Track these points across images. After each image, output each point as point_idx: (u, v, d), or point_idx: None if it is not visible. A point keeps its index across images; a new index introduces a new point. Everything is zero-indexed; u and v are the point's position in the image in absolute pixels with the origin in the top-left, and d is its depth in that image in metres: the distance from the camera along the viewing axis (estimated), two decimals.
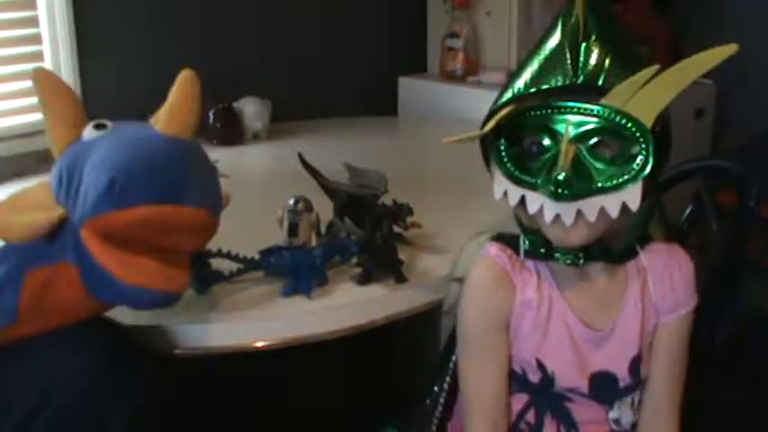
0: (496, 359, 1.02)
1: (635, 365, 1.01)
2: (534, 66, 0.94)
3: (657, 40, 2.47)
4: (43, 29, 1.92)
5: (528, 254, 1.00)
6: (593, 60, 0.91)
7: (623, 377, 1.01)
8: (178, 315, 1.10)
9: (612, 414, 1.03)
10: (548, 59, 0.94)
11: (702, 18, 2.60)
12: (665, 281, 1.01)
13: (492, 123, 0.93)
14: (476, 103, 2.33)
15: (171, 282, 0.99)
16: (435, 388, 1.17)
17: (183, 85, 1.04)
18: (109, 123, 1.02)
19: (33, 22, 1.91)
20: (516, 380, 1.03)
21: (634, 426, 1.05)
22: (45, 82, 1.02)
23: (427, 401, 1.17)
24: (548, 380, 1.01)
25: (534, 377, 1.02)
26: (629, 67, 0.90)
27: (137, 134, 1.01)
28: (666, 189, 1.29)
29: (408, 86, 2.56)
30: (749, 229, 1.36)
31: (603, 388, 1.01)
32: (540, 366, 1.00)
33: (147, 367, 1.05)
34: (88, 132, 1.01)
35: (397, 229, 1.30)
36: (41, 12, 1.91)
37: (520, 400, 1.04)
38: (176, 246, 0.99)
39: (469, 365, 1.04)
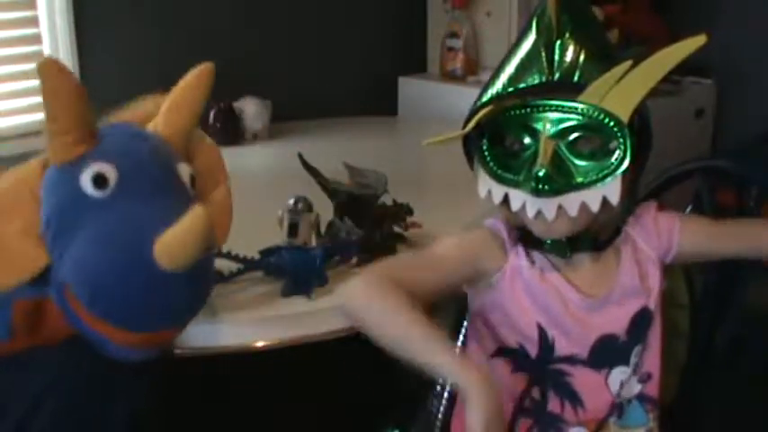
0: (441, 274, 0.99)
1: (634, 322, 1.01)
2: (511, 65, 0.96)
3: (656, 40, 2.47)
4: (43, 29, 1.92)
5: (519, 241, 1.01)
6: (568, 57, 0.93)
7: (622, 335, 1.01)
8: None
9: (612, 380, 1.02)
10: (524, 59, 0.96)
11: (701, 18, 2.60)
12: (651, 235, 1.03)
13: (472, 124, 0.95)
14: None
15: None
16: (438, 388, 1.17)
17: (192, 80, 1.00)
18: (110, 174, 0.89)
19: (33, 22, 1.91)
20: (515, 357, 1.03)
21: (640, 398, 1.04)
22: (53, 78, 0.87)
23: (428, 403, 1.17)
24: (547, 349, 1.00)
25: (533, 349, 1.01)
26: (603, 63, 0.92)
27: (134, 248, 0.85)
28: (666, 189, 1.29)
29: (408, 86, 2.56)
30: None
31: (603, 351, 1.01)
32: (541, 333, 1.00)
33: (146, 367, 1.05)
34: (87, 182, 0.88)
35: (397, 229, 1.30)
36: (41, 12, 1.91)
37: (521, 379, 1.03)
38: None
39: (421, 260, 1.01)
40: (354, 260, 1.26)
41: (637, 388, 1.04)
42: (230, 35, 2.23)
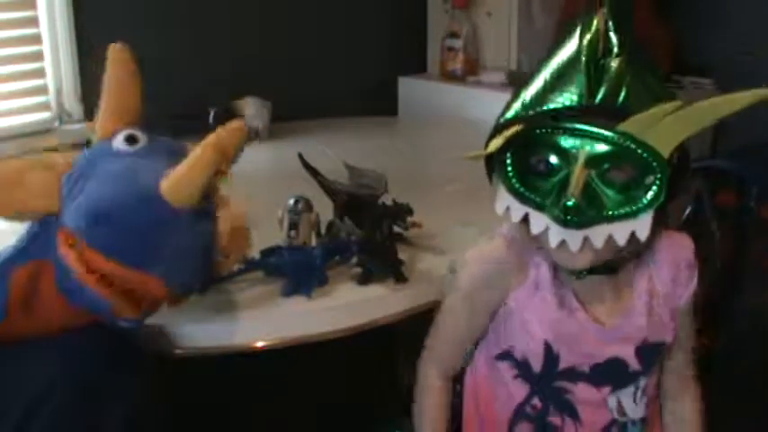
0: (477, 316, 1.03)
1: (642, 352, 1.00)
2: (547, 78, 0.89)
3: (657, 41, 2.47)
4: (43, 29, 1.92)
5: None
6: (611, 78, 0.86)
7: (633, 363, 1.00)
8: (178, 315, 1.10)
9: (612, 400, 1.02)
10: (562, 73, 0.88)
11: (702, 19, 2.60)
12: (670, 274, 1.00)
13: (499, 142, 0.89)
14: (476, 103, 2.34)
15: (133, 309, 0.98)
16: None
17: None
18: (141, 138, 1.00)
19: (33, 22, 1.91)
20: (518, 367, 1.03)
21: (643, 421, 1.04)
22: (117, 65, 1.01)
23: None
24: (551, 364, 1.00)
25: (537, 364, 1.01)
26: (650, 87, 0.87)
27: (143, 183, 0.95)
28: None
29: (408, 86, 2.55)
30: (749, 230, 1.36)
31: (608, 371, 1.00)
32: (548, 349, 0.99)
33: (145, 367, 1.05)
34: (118, 140, 0.99)
35: (397, 229, 1.30)
36: (41, 12, 1.91)
37: (523, 387, 1.03)
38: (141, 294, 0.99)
39: (451, 310, 1.06)
40: (354, 260, 1.26)
41: (642, 410, 1.03)
42: (230, 35, 2.23)
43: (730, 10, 2.58)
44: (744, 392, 1.55)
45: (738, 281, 1.34)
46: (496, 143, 0.90)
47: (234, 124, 1.01)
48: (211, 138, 0.95)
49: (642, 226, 0.87)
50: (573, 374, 1.01)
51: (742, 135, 2.32)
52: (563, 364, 1.00)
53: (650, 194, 0.87)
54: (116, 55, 1.02)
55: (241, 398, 1.74)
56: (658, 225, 0.91)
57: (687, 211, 1.38)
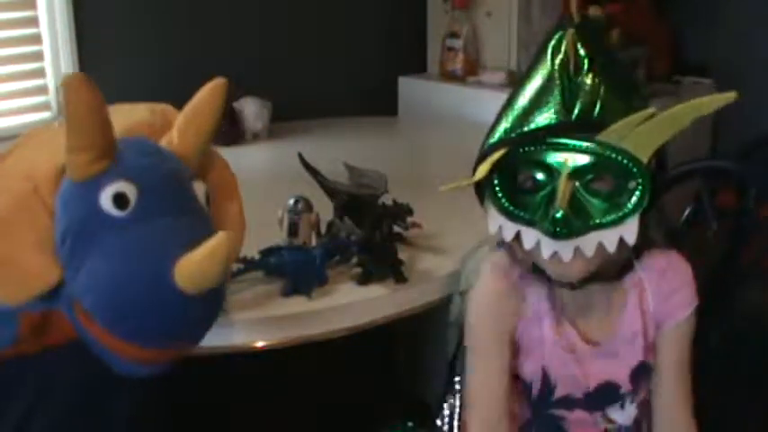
0: (500, 364, 1.02)
1: (637, 374, 1.02)
2: (525, 102, 0.93)
3: (657, 41, 2.47)
4: (43, 29, 1.92)
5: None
6: (586, 94, 0.90)
7: (625, 385, 1.02)
8: None
9: (600, 418, 1.04)
10: (539, 95, 0.92)
11: (701, 19, 2.60)
12: (661, 293, 1.01)
13: (485, 167, 0.93)
14: (476, 104, 2.34)
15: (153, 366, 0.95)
16: (445, 406, 1.18)
17: (206, 96, 0.99)
18: (130, 193, 0.88)
19: (33, 22, 1.91)
20: (523, 388, 1.05)
21: (637, 422, 1.05)
22: (75, 92, 0.86)
23: (439, 423, 1.18)
24: (548, 391, 1.02)
25: (535, 389, 1.03)
26: (624, 95, 0.90)
27: (153, 271, 0.84)
28: (667, 190, 1.30)
29: (408, 86, 2.55)
30: (749, 230, 1.36)
31: (600, 397, 1.02)
32: (545, 376, 1.01)
33: None
34: (107, 200, 0.87)
35: (397, 229, 1.30)
36: (41, 12, 1.91)
37: (526, 411, 1.06)
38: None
39: (474, 368, 1.05)
40: (354, 260, 1.26)
41: (633, 414, 1.05)
42: (230, 35, 2.23)
43: (730, 10, 2.58)
44: (743, 393, 1.54)
45: (738, 281, 1.33)
46: (484, 169, 0.93)
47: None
48: (226, 234, 0.85)
49: (629, 231, 0.90)
50: (569, 402, 1.03)
51: (742, 135, 2.32)
52: (559, 393, 1.02)
53: (634, 199, 0.90)
54: (72, 83, 0.86)
55: (241, 398, 1.74)
56: (646, 228, 0.94)
57: (687, 212, 1.38)
